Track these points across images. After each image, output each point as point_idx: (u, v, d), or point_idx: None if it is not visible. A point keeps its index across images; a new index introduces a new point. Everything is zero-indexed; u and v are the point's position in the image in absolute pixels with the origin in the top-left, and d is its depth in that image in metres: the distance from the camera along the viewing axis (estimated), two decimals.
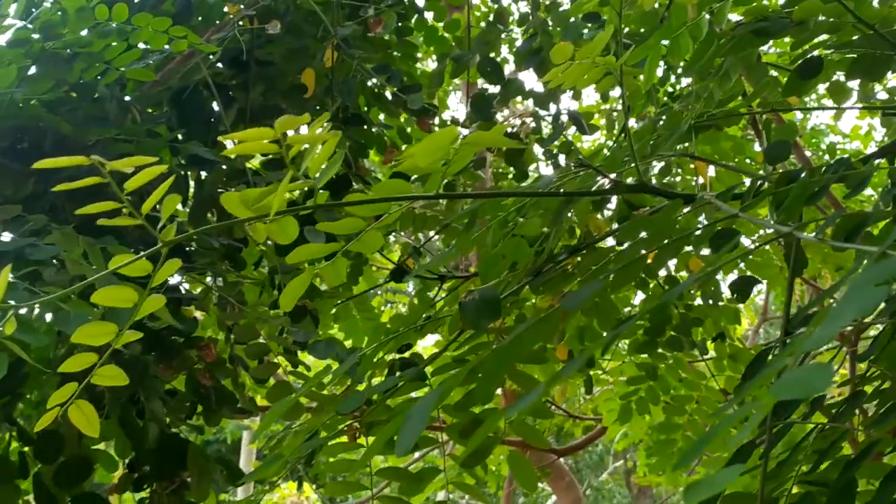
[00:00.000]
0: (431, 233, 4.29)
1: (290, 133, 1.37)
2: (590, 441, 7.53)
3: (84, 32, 2.79)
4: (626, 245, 1.82)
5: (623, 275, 1.56)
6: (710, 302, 3.98)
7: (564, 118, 3.90)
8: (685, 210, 1.75)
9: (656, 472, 4.55)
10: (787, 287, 1.92)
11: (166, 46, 2.88)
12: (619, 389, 4.59)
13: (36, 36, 2.76)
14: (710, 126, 2.60)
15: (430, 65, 8.03)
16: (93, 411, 1.44)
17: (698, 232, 1.68)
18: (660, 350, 3.88)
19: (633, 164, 2.08)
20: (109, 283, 2.09)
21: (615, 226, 2.88)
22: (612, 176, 1.97)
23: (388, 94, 3.79)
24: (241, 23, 3.35)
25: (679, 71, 5.65)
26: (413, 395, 2.09)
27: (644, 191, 1.86)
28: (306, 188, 1.65)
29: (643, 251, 1.56)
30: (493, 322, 1.77)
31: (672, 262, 4.58)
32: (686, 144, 2.54)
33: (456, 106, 12.96)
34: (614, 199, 2.95)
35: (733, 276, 4.58)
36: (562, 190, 2.15)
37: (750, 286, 2.32)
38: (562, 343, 3.68)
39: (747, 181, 2.30)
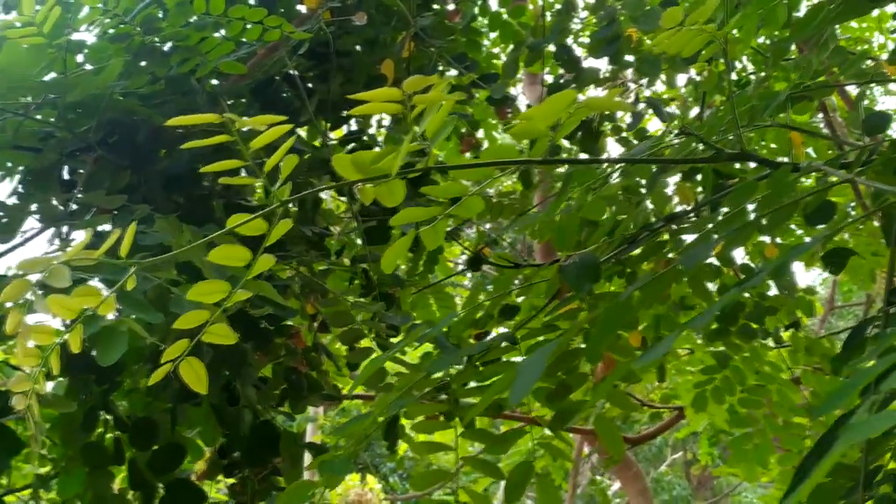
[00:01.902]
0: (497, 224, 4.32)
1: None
2: (664, 429, 7.47)
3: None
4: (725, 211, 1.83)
5: (736, 236, 1.57)
6: (786, 292, 3.95)
7: (642, 105, 3.91)
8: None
9: (734, 465, 4.51)
10: (890, 257, 1.91)
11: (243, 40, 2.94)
12: (694, 378, 4.57)
13: (126, 28, 2.82)
14: (803, 98, 2.60)
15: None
16: (202, 368, 1.46)
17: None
18: (734, 339, 3.86)
19: (726, 134, 2.09)
20: (215, 267, 2.15)
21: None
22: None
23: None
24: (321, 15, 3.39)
25: (744, 58, 5.63)
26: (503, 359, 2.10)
27: (746, 158, 1.87)
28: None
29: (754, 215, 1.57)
30: (593, 284, 1.78)
31: (741, 252, 4.57)
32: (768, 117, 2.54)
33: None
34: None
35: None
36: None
37: (845, 258, 2.31)
38: (635, 331, 3.68)
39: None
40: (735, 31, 2.56)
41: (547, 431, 2.23)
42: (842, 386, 0.97)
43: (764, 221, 1.59)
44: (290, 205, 3.34)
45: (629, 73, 4.18)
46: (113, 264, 1.39)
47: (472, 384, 2.11)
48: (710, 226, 1.84)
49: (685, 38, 1.87)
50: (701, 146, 2.00)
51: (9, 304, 1.34)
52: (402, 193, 1.52)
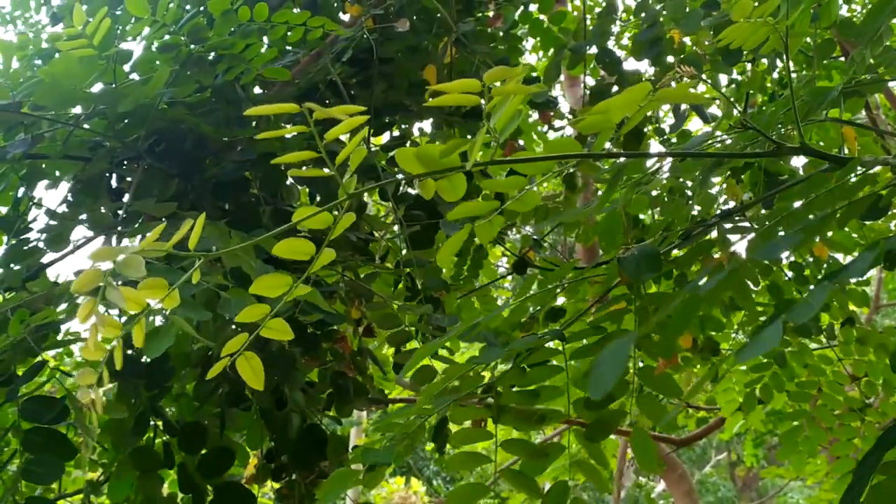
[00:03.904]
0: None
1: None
2: (708, 432, 7.40)
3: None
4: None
5: (816, 228, 1.57)
6: (836, 285, 3.90)
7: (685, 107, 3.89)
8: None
9: (783, 459, 4.49)
10: None
11: (288, 48, 2.96)
12: (739, 378, 4.54)
13: (174, 39, 2.85)
14: (855, 93, 2.59)
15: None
16: (259, 363, 1.46)
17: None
18: (786, 337, 3.83)
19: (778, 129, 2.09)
20: (264, 271, 2.17)
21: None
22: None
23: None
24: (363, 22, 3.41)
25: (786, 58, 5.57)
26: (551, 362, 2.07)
27: (808, 153, 1.86)
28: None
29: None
30: (654, 273, 1.78)
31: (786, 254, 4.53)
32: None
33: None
34: None
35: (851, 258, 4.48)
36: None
37: None
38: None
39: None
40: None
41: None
42: None
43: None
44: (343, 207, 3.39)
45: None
46: (182, 256, 1.40)
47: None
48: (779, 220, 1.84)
49: (750, 29, 1.91)
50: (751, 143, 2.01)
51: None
52: (464, 188, 1.53)
